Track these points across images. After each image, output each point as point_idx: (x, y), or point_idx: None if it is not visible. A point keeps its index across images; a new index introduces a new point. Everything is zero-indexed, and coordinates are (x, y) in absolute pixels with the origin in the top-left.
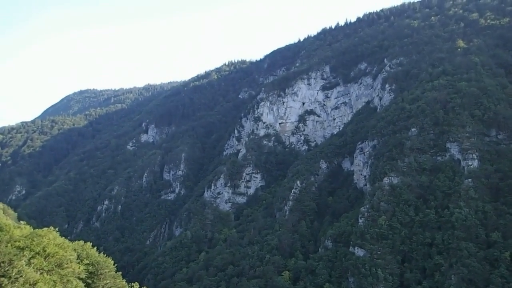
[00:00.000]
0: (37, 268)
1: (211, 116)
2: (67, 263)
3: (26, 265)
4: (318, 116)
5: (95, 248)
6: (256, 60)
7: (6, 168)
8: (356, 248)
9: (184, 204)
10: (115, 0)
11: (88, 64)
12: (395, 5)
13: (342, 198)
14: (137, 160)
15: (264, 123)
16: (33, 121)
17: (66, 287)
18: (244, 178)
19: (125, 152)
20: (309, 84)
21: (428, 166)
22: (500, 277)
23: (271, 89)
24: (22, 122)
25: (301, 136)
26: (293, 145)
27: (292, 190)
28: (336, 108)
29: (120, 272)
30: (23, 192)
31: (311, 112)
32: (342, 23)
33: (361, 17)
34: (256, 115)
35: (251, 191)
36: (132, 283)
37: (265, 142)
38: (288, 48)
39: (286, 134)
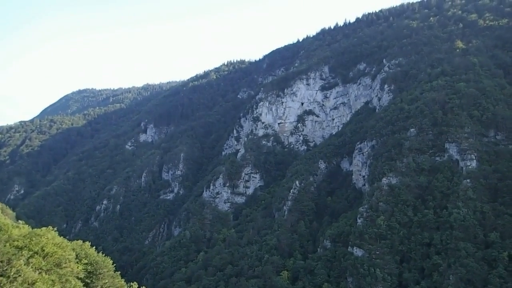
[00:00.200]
0: (35, 267)
1: (210, 116)
2: (65, 263)
3: (24, 265)
4: (317, 116)
5: (94, 247)
6: (255, 60)
7: (4, 167)
8: (354, 248)
9: (183, 204)
10: (116, 5)
11: (87, 64)
12: (394, 6)
13: (341, 198)
14: (136, 160)
15: (263, 123)
16: (31, 121)
17: (64, 287)
18: (243, 178)
19: (124, 152)
20: (308, 84)
21: (426, 167)
22: (498, 277)
23: (270, 89)
24: (20, 122)
25: (300, 136)
26: (292, 145)
27: (291, 190)
28: (335, 108)
29: (119, 272)
30: (22, 191)
31: (310, 112)
32: (341, 23)
33: (360, 17)
34: (255, 115)
35: (250, 191)
36: (131, 283)
37: (264, 142)
38: (287, 48)
39: (285, 134)
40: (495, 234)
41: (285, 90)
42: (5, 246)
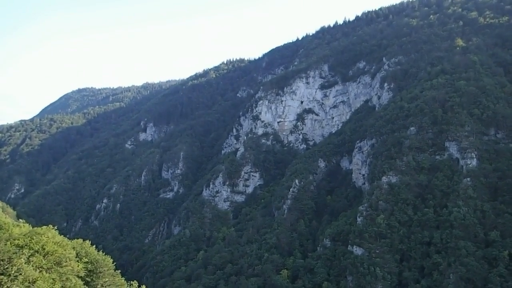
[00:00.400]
0: (36, 266)
1: (209, 115)
2: (66, 261)
3: (25, 263)
4: (317, 115)
5: (94, 246)
6: (255, 59)
7: (5, 166)
8: (354, 247)
9: (183, 202)
10: (116, 4)
11: (87, 63)
12: (394, 4)
13: (341, 197)
14: (136, 159)
15: (262, 121)
16: (31, 120)
17: (65, 285)
18: (243, 177)
19: (123, 150)
20: (307, 83)
21: (426, 165)
22: (499, 276)
23: (270, 87)
24: (21, 121)
25: (299, 135)
26: (292, 144)
27: (291, 189)
28: (335, 107)
29: (119, 271)
30: (22, 190)
31: (309, 111)
32: (340, 21)
33: (359, 15)
34: (254, 114)
35: (249, 190)
36: (131, 281)
37: (263, 141)
38: (287, 47)
39: (284, 133)
40: (496, 233)
41: (285, 88)
42: (5, 244)
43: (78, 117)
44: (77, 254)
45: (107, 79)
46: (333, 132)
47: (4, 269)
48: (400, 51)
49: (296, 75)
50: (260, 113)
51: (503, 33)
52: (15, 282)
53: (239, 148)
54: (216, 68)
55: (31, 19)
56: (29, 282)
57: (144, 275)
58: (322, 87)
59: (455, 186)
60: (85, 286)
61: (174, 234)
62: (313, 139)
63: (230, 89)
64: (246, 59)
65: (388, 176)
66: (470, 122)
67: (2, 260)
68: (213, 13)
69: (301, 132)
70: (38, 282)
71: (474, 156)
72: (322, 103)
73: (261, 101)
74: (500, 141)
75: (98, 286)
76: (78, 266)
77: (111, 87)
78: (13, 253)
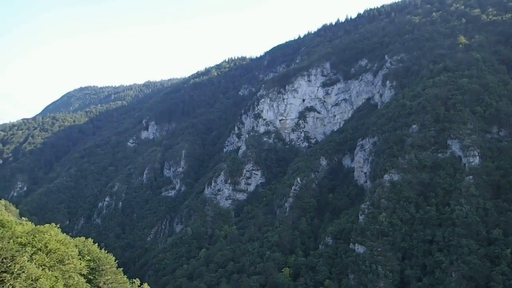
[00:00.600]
0: (39, 264)
1: (211, 113)
2: (68, 259)
3: (28, 261)
4: (319, 112)
5: (96, 244)
6: (256, 57)
7: (7, 165)
8: (356, 245)
9: (185, 200)
10: (119, 3)
11: (88, 62)
12: (396, 1)
13: (343, 195)
14: (138, 157)
15: (264, 120)
16: (34, 118)
17: (67, 283)
18: (244, 175)
19: (125, 149)
20: (309, 80)
21: (429, 163)
22: (501, 274)
23: (271, 85)
24: (23, 119)
25: (301, 133)
26: (293, 142)
27: (292, 187)
28: (337, 104)
29: (121, 268)
30: (25, 188)
31: (311, 109)
32: (342, 19)
33: (361, 13)
34: (256, 112)
35: (251, 188)
36: (133, 279)
37: (265, 139)
38: (288, 44)
39: (286, 131)
40: (498, 231)
41: (286, 86)
42: (8, 242)
43: (80, 116)
44: (79, 252)
45: (108, 78)
46: (335, 130)
47: (7, 267)
48: (402, 48)
49: (297, 73)
50: (262, 111)
51: (506, 31)
52: (18, 280)
53: (241, 146)
54: (218, 66)
55: (34, 17)
56: (32, 280)
57: (146, 273)
58: (324, 85)
59: (457, 184)
60: (87, 284)
61: (176, 232)
62: (315, 137)
63: (232, 87)
64: (247, 57)
65: (390, 174)
66: (472, 120)
67: (5, 258)
68: (214, 11)
69: (303, 130)
70: (40, 280)
71: (477, 154)
72: (324, 101)
73: (263, 99)
74: (503, 139)
75: (101, 284)
76: (80, 264)
77: (113, 86)
78: (16, 251)
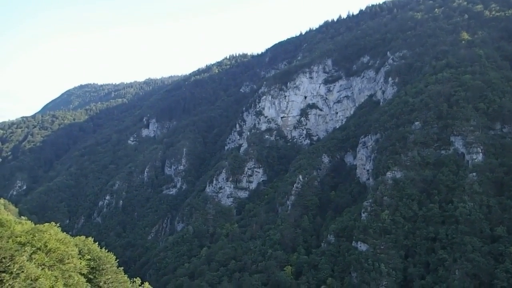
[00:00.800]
0: (38, 263)
1: (212, 111)
2: (68, 259)
3: (27, 261)
4: (320, 110)
5: (97, 243)
6: (258, 54)
7: (7, 163)
8: (359, 243)
9: (186, 199)
10: (120, 1)
11: (88, 60)
12: None
13: (345, 193)
14: (138, 155)
15: (265, 117)
16: (33, 116)
17: (67, 283)
18: (246, 173)
19: (126, 147)
20: (311, 77)
21: (431, 160)
22: (505, 272)
23: (273, 83)
24: (22, 117)
25: (303, 130)
26: (295, 139)
27: (294, 185)
28: (339, 101)
29: (122, 268)
30: (24, 187)
31: (313, 106)
32: (344, 15)
33: (363, 9)
34: (257, 109)
35: (253, 185)
36: (134, 278)
37: (267, 136)
38: (290, 41)
39: (288, 128)
40: (502, 228)
41: (288, 83)
42: (7, 242)
43: (80, 114)
44: (79, 251)
45: (108, 76)
46: (337, 127)
47: (6, 266)
48: (404, 45)
49: (299, 70)
50: (264, 108)
51: (509, 26)
52: (17, 280)
53: (242, 144)
54: (219, 64)
55: (34, 15)
56: (31, 280)
57: (147, 271)
58: (326, 82)
59: (460, 181)
60: (87, 283)
61: (177, 231)
62: (317, 135)
63: (233, 84)
64: (249, 54)
65: (393, 171)
66: (475, 117)
67: (4, 258)
68: (216, 8)
69: (304, 128)
70: (40, 279)
71: (480, 151)
72: (326, 98)
73: (264, 97)
74: (506, 136)
75: (101, 283)
76: (80, 263)
77: (113, 83)
78: (15, 251)
